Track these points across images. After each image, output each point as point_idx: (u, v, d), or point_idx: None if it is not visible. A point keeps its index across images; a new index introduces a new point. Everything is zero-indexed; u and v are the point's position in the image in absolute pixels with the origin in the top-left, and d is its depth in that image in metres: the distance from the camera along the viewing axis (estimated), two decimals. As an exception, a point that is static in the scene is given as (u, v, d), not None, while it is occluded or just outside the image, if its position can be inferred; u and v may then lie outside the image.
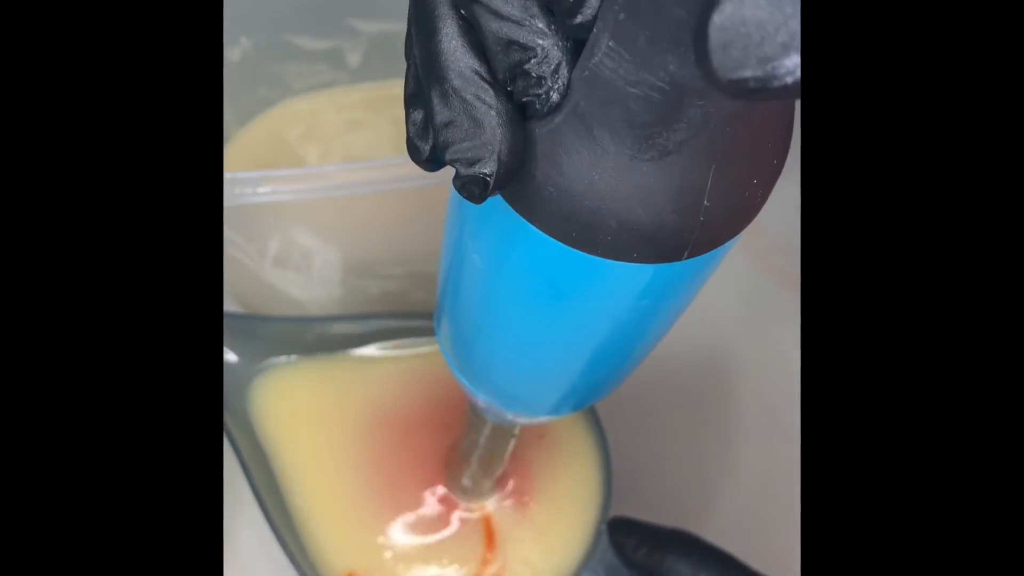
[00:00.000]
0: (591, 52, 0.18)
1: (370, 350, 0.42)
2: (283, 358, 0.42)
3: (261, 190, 0.34)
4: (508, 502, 0.39)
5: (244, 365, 0.41)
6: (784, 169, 0.21)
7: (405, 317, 0.42)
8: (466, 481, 0.38)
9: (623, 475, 0.40)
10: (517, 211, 0.21)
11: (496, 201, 0.21)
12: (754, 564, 0.34)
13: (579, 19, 0.17)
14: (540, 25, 0.18)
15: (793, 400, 0.48)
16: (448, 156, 0.19)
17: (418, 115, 0.20)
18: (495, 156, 0.19)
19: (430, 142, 0.20)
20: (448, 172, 0.20)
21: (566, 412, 0.30)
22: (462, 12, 0.19)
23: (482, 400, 0.30)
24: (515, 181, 0.20)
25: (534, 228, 0.21)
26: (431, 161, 0.20)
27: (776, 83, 0.14)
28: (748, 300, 0.53)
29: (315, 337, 0.42)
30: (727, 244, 0.22)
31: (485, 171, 0.19)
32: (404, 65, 0.21)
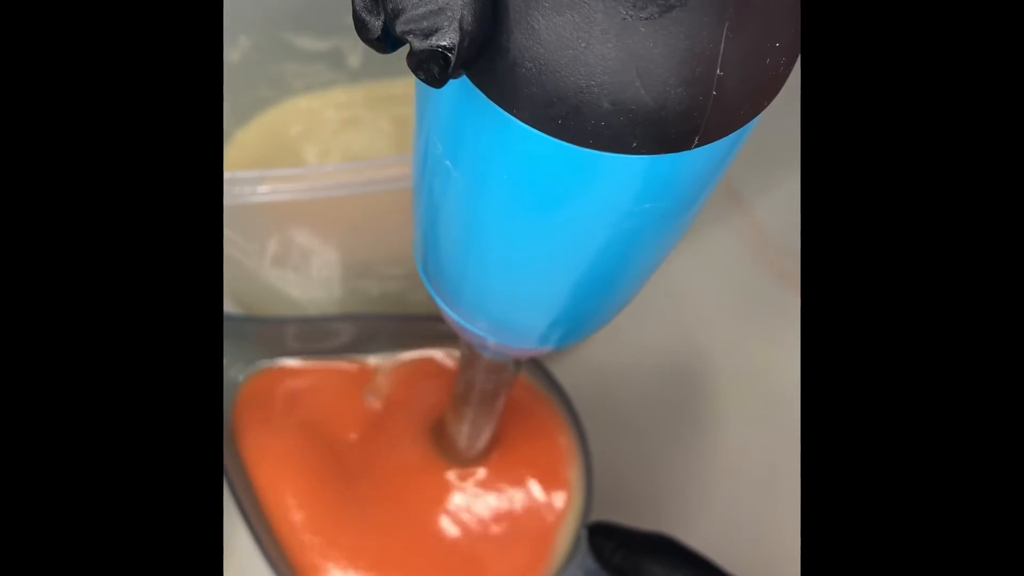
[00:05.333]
0: None
1: (364, 353, 0.42)
2: (267, 361, 0.42)
3: (260, 189, 0.34)
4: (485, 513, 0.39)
5: (226, 368, 0.41)
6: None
7: (398, 319, 0.42)
8: (462, 436, 0.37)
9: (607, 480, 0.40)
10: (490, 98, 0.17)
11: (463, 88, 0.18)
12: (737, 568, 0.34)
13: None
14: None
15: (790, 402, 0.48)
16: (398, 27, 0.16)
17: None
18: (456, 24, 0.15)
19: (382, 15, 0.16)
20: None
21: (571, 342, 0.26)
22: None
23: (475, 335, 0.27)
24: (484, 58, 0.16)
25: (511, 118, 0.17)
26: (384, 40, 0.17)
27: None
28: (746, 300, 0.52)
29: (304, 339, 0.42)
30: (746, 128, 0.18)
31: (444, 43, 0.15)
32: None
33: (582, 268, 0.22)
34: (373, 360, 0.42)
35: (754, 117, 0.18)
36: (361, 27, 0.17)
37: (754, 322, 0.52)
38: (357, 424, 0.41)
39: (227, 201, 0.34)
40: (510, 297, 0.24)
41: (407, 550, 0.38)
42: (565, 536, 0.38)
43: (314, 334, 0.42)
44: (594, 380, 0.41)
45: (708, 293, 0.52)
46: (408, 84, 0.52)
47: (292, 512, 0.39)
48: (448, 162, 0.20)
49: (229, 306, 0.46)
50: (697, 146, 0.17)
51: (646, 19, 0.15)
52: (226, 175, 0.33)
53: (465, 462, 0.39)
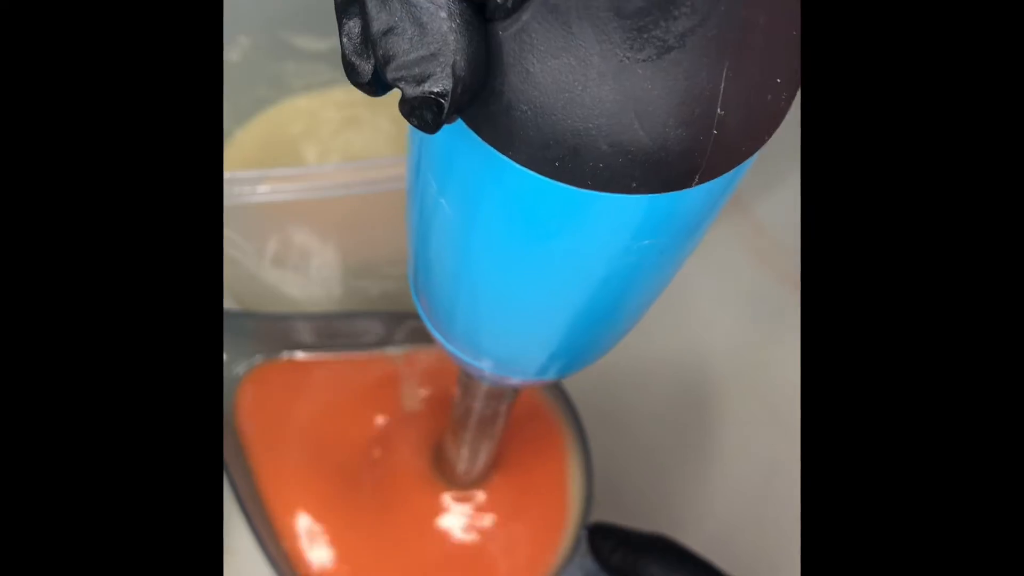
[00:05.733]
0: None
1: (362, 349, 0.42)
2: (271, 355, 0.42)
3: (260, 189, 0.34)
4: (488, 509, 0.39)
5: (227, 363, 0.41)
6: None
7: (394, 317, 0.42)
8: (461, 462, 0.37)
9: (607, 480, 0.40)
10: (485, 140, 0.17)
11: (458, 130, 0.17)
12: (737, 569, 0.34)
13: None
14: None
15: (791, 402, 0.48)
16: (390, 74, 0.15)
17: (354, 25, 0.16)
18: (448, 70, 0.15)
19: (372, 59, 0.16)
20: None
21: (569, 373, 0.26)
22: None
23: (471, 366, 0.26)
24: (478, 101, 0.16)
25: (507, 160, 0.17)
26: (375, 84, 0.16)
27: None
28: (746, 300, 0.52)
29: (302, 335, 0.42)
30: (746, 163, 0.18)
31: (436, 89, 0.15)
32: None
33: (579, 305, 0.21)
34: (388, 353, 0.42)
35: (754, 152, 0.17)
36: (351, 71, 0.16)
37: (755, 322, 0.52)
38: (364, 421, 0.41)
39: (227, 201, 0.34)
40: (506, 333, 0.23)
41: (405, 561, 0.38)
42: (565, 537, 0.38)
43: (316, 329, 0.42)
44: (595, 380, 0.41)
45: (709, 294, 0.52)
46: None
47: (294, 509, 0.39)
48: (443, 200, 0.20)
49: (228, 306, 0.46)
50: (697, 184, 0.17)
51: (644, 61, 0.15)
52: (226, 175, 0.33)
53: (465, 482, 0.39)
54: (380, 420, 0.41)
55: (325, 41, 0.50)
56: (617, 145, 0.16)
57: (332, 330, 0.42)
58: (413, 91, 0.15)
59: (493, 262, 0.21)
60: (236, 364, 0.41)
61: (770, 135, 0.17)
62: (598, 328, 0.23)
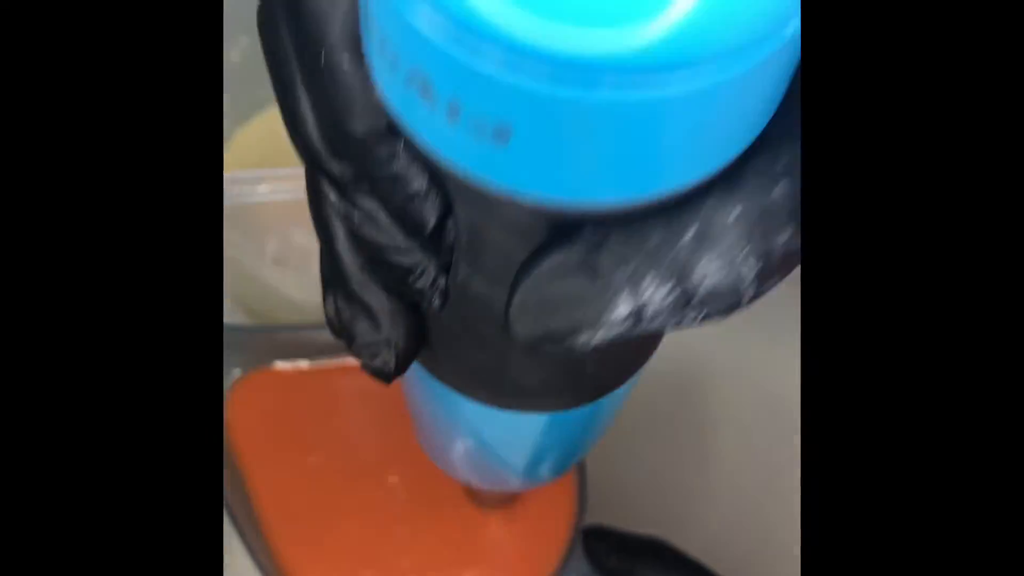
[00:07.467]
0: (455, 271, 0.19)
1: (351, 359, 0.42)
2: (259, 367, 0.41)
3: (260, 189, 0.34)
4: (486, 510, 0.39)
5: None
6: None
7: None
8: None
9: (603, 484, 0.40)
10: (431, 372, 0.23)
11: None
12: (735, 574, 0.34)
13: (443, 243, 0.19)
14: (416, 244, 0.19)
15: (790, 404, 0.48)
16: (353, 350, 0.22)
17: (331, 306, 0.22)
18: (392, 348, 0.21)
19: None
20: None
21: (560, 473, 0.31)
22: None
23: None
24: (423, 348, 0.22)
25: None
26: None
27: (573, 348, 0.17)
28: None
29: (293, 345, 0.41)
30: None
31: (385, 363, 0.21)
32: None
33: (542, 447, 0.26)
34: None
35: (642, 364, 0.25)
36: (334, 330, 0.22)
37: (754, 323, 0.52)
38: (359, 429, 0.41)
39: (227, 201, 0.34)
40: (481, 462, 0.28)
41: (404, 570, 0.38)
42: (565, 544, 0.38)
43: (308, 340, 0.42)
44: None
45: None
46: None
47: (290, 522, 0.39)
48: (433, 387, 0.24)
49: (228, 307, 0.46)
50: (591, 400, 0.23)
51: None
52: (226, 175, 0.33)
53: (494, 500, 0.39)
54: (378, 427, 0.41)
55: (325, 41, 0.50)
56: (520, 387, 0.22)
57: (323, 341, 0.42)
58: (369, 361, 0.21)
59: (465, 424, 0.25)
60: (226, 376, 0.41)
61: (647, 358, 0.25)
62: (567, 446, 0.28)
